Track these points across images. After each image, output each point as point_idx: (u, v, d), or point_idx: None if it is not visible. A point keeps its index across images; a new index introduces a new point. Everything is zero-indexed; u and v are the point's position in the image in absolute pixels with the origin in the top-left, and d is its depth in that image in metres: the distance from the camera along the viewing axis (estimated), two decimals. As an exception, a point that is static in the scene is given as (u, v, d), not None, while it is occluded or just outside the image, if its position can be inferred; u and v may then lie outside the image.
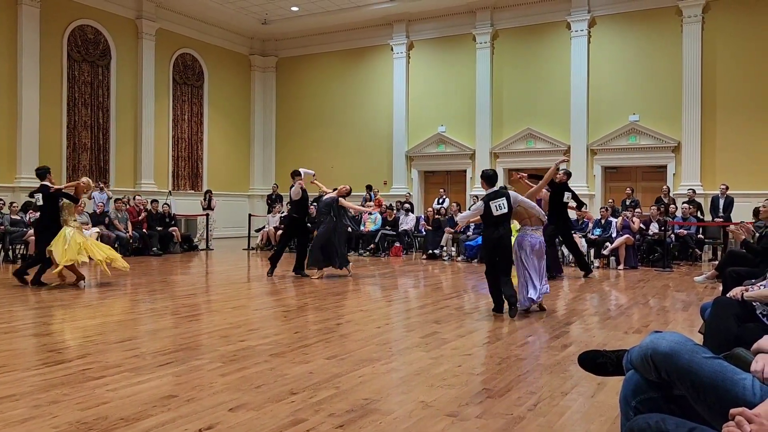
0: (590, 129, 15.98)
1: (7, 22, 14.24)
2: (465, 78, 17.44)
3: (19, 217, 11.70)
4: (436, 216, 14.28)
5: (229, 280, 9.35)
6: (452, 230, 13.60)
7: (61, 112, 15.28)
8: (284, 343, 4.94)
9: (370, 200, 16.03)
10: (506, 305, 6.46)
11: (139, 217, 13.71)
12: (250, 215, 16.75)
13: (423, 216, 15.05)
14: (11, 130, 14.33)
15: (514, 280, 6.62)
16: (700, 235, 12.82)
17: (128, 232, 13.23)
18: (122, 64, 16.60)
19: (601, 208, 12.86)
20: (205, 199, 16.19)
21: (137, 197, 14.69)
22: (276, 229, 15.51)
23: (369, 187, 17.24)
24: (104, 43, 16.19)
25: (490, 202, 6.44)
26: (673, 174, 15.15)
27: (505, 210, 6.45)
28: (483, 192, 6.90)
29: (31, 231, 11.31)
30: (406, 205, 15.39)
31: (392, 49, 18.48)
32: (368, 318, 6.14)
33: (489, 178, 6.63)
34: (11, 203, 12.25)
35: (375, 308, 6.74)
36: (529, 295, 6.56)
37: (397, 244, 14.43)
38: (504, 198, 6.48)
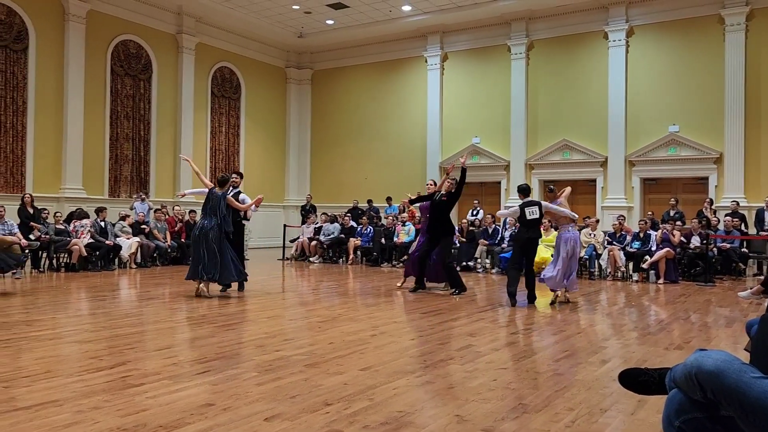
0: (628, 140, 15.72)
1: (55, 37, 14.76)
2: (499, 89, 17.36)
3: (63, 227, 12.05)
4: (470, 228, 14.19)
5: (264, 289, 9.45)
6: (486, 242, 13.50)
7: (104, 124, 15.74)
8: (319, 353, 4.96)
9: (404, 211, 16.06)
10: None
11: (176, 227, 13.95)
12: (285, 226, 16.92)
13: (457, 227, 14.94)
14: (57, 142, 14.81)
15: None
16: (744, 249, 12.44)
17: (167, 241, 13.46)
18: (163, 77, 17.02)
19: (640, 221, 12.60)
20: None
21: (176, 208, 14.93)
22: (310, 239, 15.63)
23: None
24: (146, 57, 16.63)
25: (525, 208, 8.10)
26: (715, 186, 14.78)
27: (537, 216, 8.06)
28: (516, 203, 9.02)
29: (75, 240, 11.67)
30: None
31: (426, 61, 18.52)
32: (402, 330, 6.13)
33: (524, 190, 8.35)
34: (56, 213, 12.63)
35: (409, 320, 6.73)
36: (546, 275, 8.08)
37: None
38: (537, 206, 8.12)
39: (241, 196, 9.09)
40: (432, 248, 9.27)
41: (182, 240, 13.93)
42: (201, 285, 8.29)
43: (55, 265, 11.84)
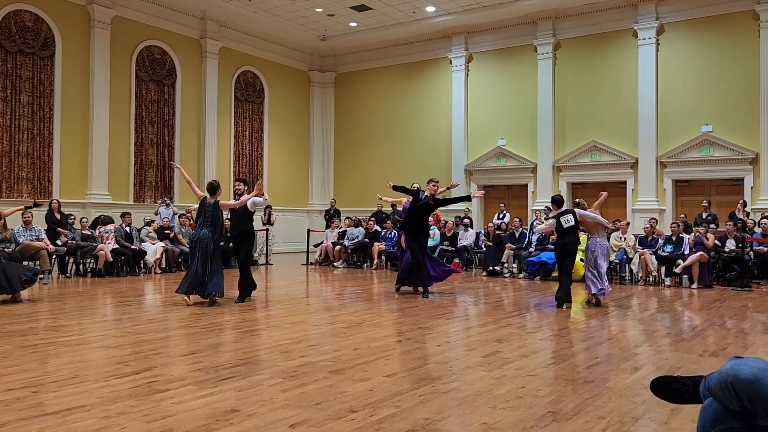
0: (659, 141, 15.50)
1: (81, 43, 15.08)
2: (526, 90, 17.25)
3: (89, 232, 12.28)
4: (497, 231, 14.10)
5: (288, 295, 9.51)
6: (513, 246, 13.41)
7: (129, 129, 16.02)
8: (343, 359, 4.97)
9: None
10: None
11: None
12: (309, 230, 17.02)
13: (483, 231, 14.91)
14: (83, 148, 15.13)
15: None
16: (782, 252, 12.15)
17: None
18: (186, 82, 17.28)
19: (672, 224, 12.40)
20: (264, 215, 16.41)
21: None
22: (334, 244, 15.70)
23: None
24: (170, 62, 16.90)
25: (560, 218, 8.55)
26: (751, 187, 14.48)
27: (572, 223, 8.52)
28: (543, 205, 9.83)
29: (101, 245, 11.90)
30: (465, 220, 15.22)
31: (451, 62, 18.50)
32: (428, 336, 6.12)
33: (557, 201, 8.92)
34: (82, 218, 12.87)
35: (434, 326, 6.71)
36: (592, 292, 8.52)
37: (456, 261, 14.31)
38: (570, 214, 8.58)
39: (254, 200, 8.72)
40: (421, 250, 9.42)
41: None
42: (185, 297, 8.14)
43: (82, 270, 12.08)
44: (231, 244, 10.15)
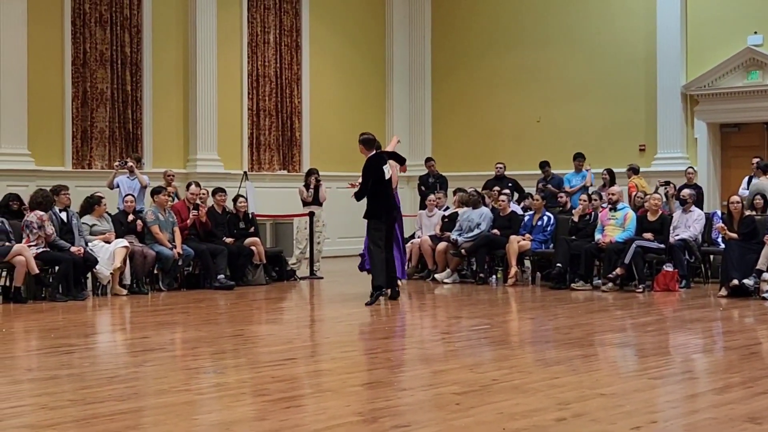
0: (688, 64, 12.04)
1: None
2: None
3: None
4: (748, 213, 8.69)
5: (351, 333, 6.86)
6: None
7: (63, 39, 10.95)
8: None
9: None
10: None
11: (188, 220, 9.26)
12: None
13: (717, 214, 9.58)
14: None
15: None
16: None
17: (175, 247, 9.02)
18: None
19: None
20: (307, 188, 10.40)
21: (191, 186, 9.53)
22: (435, 239, 10.05)
23: (579, 159, 11.39)
24: None
25: None
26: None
27: None
28: None
29: (19, 246, 8.24)
30: (686, 191, 9.35)
31: None
32: (616, 407, 3.99)
33: None
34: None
35: (628, 389, 4.48)
36: None
37: (668, 268, 8.81)
38: None
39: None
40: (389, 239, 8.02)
41: (202, 244, 9.28)
42: None
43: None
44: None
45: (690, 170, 10.87)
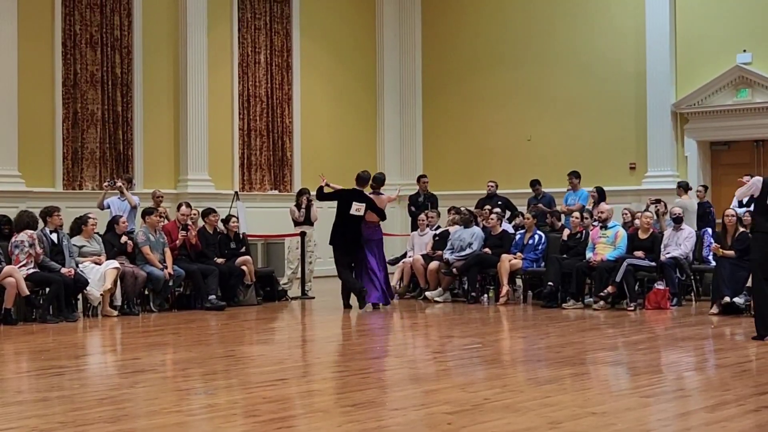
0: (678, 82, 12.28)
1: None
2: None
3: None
4: (741, 231, 8.42)
5: (343, 354, 6.95)
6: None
7: (53, 58, 10.95)
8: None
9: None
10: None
11: (178, 241, 9.30)
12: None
13: (708, 231, 9.59)
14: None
15: None
16: None
17: (166, 267, 9.05)
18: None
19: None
20: (298, 208, 10.58)
21: (182, 207, 9.64)
22: (427, 258, 10.13)
23: (574, 177, 11.24)
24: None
25: None
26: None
27: None
28: None
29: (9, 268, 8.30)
30: (675, 210, 9.38)
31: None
32: (607, 426, 4.00)
33: None
34: None
35: (621, 407, 4.51)
36: None
37: (659, 286, 8.85)
38: None
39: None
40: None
41: (193, 264, 9.28)
42: None
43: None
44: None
45: (700, 188, 11.04)
